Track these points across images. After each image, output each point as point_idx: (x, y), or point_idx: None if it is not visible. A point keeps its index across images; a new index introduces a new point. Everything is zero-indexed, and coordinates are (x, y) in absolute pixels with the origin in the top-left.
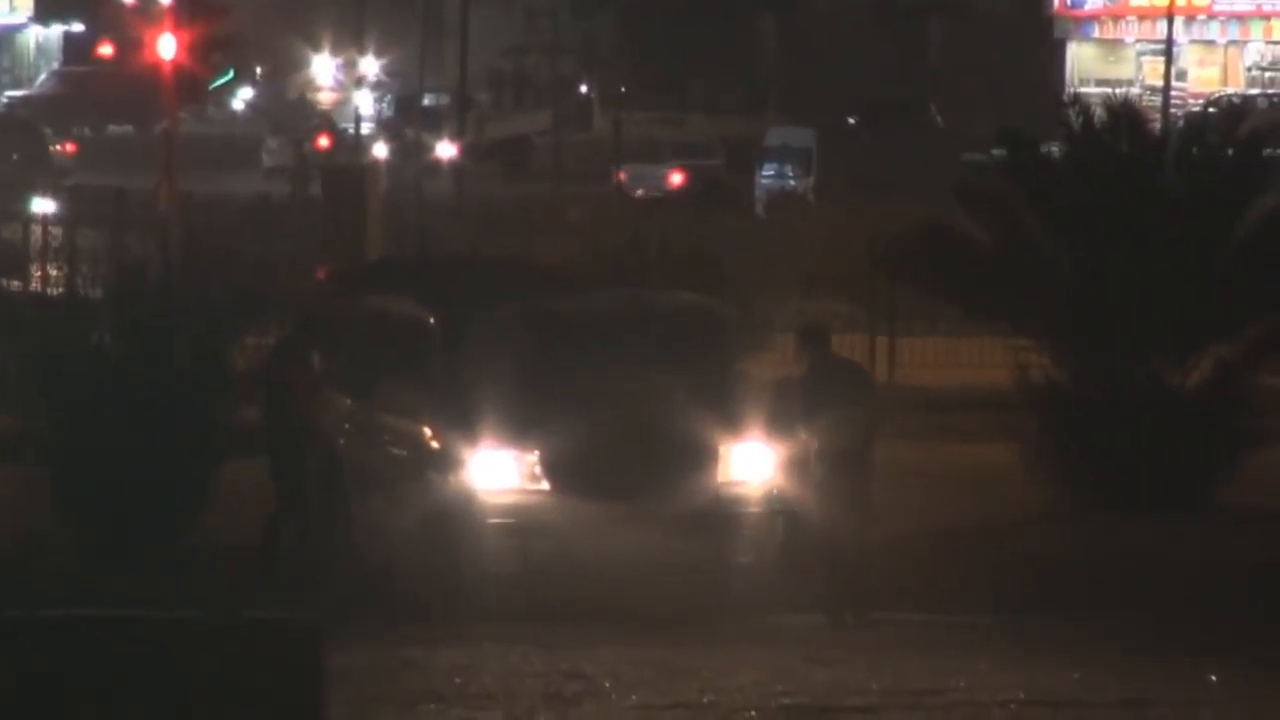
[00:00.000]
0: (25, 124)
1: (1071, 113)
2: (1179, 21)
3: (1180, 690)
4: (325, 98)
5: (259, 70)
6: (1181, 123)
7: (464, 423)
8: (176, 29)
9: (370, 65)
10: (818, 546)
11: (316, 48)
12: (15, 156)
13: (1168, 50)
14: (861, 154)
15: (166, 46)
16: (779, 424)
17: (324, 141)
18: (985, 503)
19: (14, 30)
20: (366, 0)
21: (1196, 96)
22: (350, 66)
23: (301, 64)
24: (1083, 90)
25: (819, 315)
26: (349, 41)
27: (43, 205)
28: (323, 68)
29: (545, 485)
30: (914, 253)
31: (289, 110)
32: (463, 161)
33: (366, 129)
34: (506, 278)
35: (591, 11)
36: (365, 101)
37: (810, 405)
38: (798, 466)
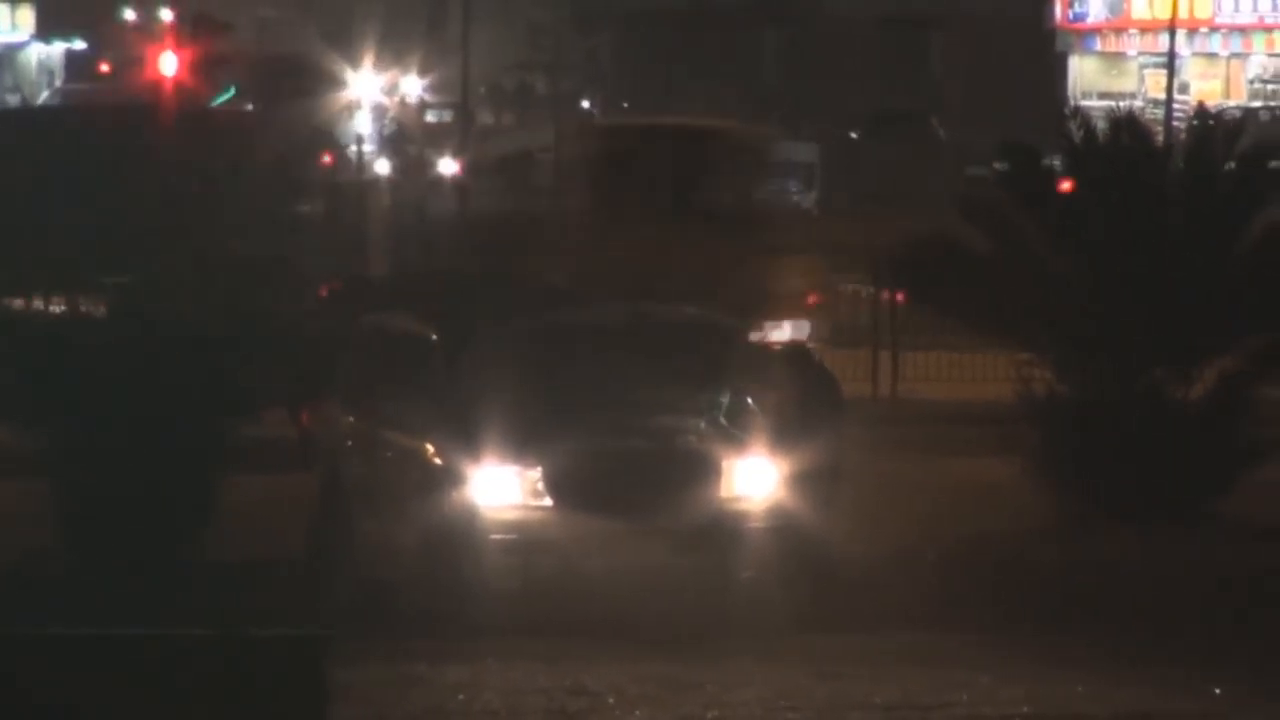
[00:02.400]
0: None
1: (1073, 125)
2: (1181, 34)
3: (1183, 703)
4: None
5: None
6: (1184, 135)
7: (466, 439)
8: (178, 47)
9: (413, 84)
10: (815, 561)
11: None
12: None
13: (1170, 63)
14: (865, 168)
15: (168, 64)
16: (780, 439)
17: (325, 159)
18: (988, 516)
19: (16, 48)
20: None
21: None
22: (394, 86)
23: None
24: (1085, 103)
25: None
26: (348, 59)
27: None
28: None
29: (548, 501)
30: (916, 266)
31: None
32: (465, 178)
33: (368, 147)
34: (508, 293)
35: (594, 27)
36: (363, 121)
37: (796, 421)
38: (798, 481)
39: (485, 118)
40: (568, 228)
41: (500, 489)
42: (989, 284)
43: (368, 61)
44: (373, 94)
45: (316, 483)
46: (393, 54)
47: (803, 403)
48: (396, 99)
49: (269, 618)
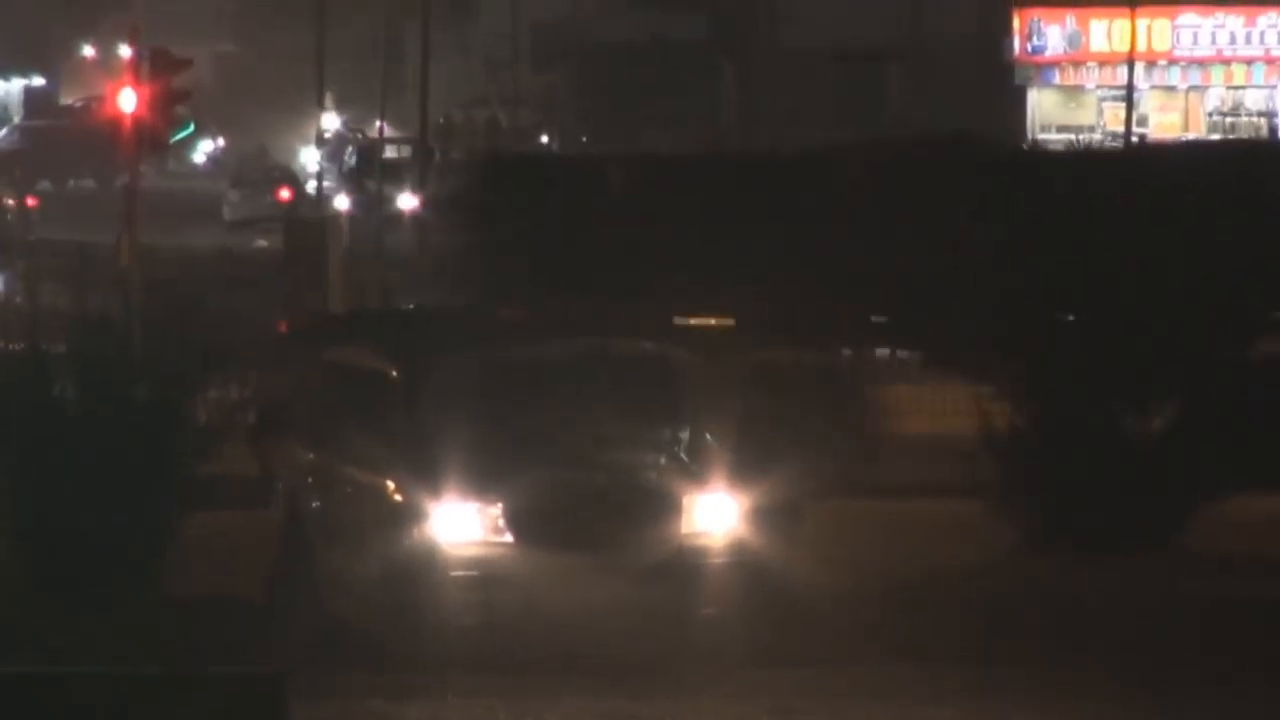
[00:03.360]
0: None
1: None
2: (1140, 67)
3: None
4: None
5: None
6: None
7: (426, 475)
8: (137, 83)
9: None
10: (776, 596)
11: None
12: None
13: (1128, 96)
14: None
15: (127, 100)
16: (741, 473)
17: (285, 194)
18: (948, 550)
19: None
20: (326, 58)
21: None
22: (358, 123)
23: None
24: (1044, 136)
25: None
26: (309, 97)
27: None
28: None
29: (508, 537)
30: (874, 300)
31: (250, 163)
32: (424, 213)
33: (328, 182)
34: (468, 328)
35: (551, 62)
36: (312, 158)
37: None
38: (759, 516)
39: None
40: None
41: (460, 525)
42: (949, 317)
43: (329, 97)
44: (334, 129)
45: (277, 519)
46: (353, 90)
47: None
48: (357, 134)
49: (229, 654)
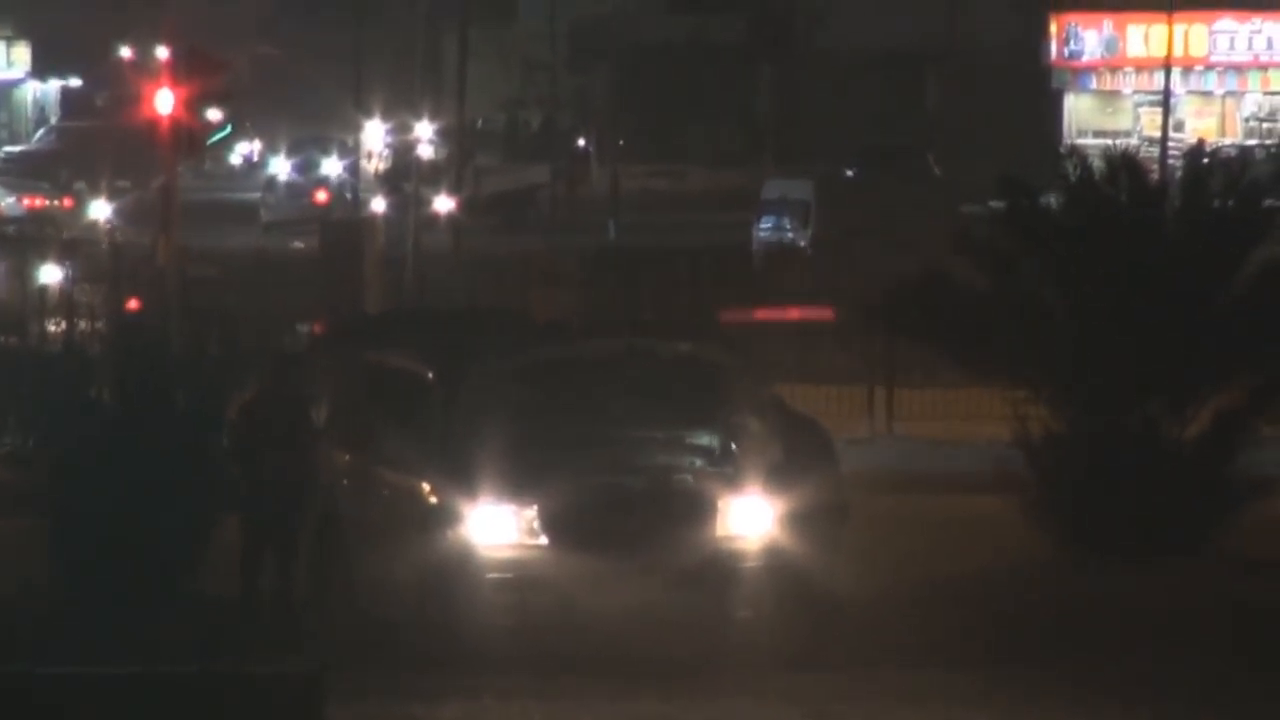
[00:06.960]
0: None
1: (1069, 164)
2: (1176, 73)
3: None
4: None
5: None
6: (1180, 173)
7: (462, 477)
8: (174, 84)
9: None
10: (810, 600)
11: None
12: None
13: (1165, 101)
14: (859, 205)
15: (164, 101)
16: (775, 477)
17: (321, 196)
18: (983, 554)
19: (12, 85)
20: (364, 60)
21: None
22: (402, 129)
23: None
24: (1080, 141)
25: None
26: (351, 103)
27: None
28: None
29: (544, 540)
30: (910, 304)
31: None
32: (460, 215)
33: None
34: (504, 330)
35: (589, 65)
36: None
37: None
38: (801, 519)
39: (485, 157)
40: None
41: (496, 527)
42: (982, 321)
43: (367, 99)
44: (375, 132)
45: (313, 519)
46: (390, 92)
47: (789, 444)
48: (396, 138)
49: (265, 654)
